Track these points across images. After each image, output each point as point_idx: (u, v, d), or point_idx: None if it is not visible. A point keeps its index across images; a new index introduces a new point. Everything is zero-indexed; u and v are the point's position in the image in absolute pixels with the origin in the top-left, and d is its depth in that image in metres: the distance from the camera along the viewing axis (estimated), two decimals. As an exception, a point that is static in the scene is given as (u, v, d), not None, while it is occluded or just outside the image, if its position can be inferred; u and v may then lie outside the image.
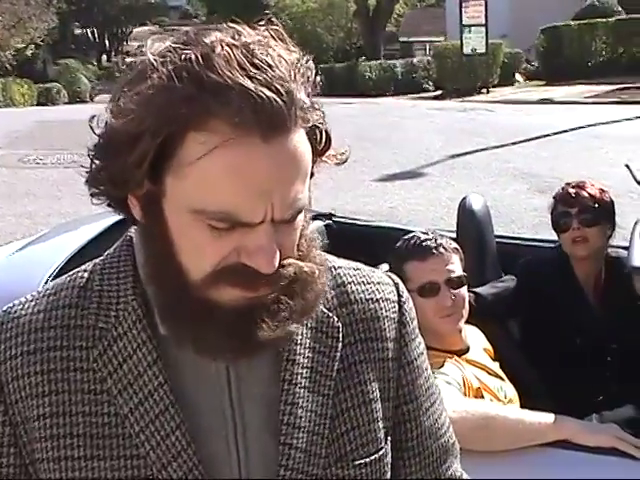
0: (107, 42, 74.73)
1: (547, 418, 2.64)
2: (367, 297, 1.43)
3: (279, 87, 1.10)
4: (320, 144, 1.23)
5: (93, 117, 1.21)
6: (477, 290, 3.53)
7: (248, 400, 1.29)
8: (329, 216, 4.46)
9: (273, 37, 1.17)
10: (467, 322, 3.10)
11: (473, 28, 27.27)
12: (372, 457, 1.37)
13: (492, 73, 28.83)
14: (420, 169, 13.41)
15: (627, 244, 3.67)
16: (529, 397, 3.15)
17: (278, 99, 1.09)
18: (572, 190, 3.67)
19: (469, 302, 3.12)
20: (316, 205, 4.87)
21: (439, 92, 29.12)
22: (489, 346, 3.29)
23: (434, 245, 3.01)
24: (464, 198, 4.02)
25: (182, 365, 1.27)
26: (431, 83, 30.74)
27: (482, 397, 2.90)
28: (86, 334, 1.27)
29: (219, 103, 1.08)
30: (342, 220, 4.48)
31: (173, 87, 1.09)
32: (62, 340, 1.27)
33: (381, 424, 1.40)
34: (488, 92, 27.80)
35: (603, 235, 3.67)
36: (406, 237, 3.13)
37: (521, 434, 2.61)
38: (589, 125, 17.33)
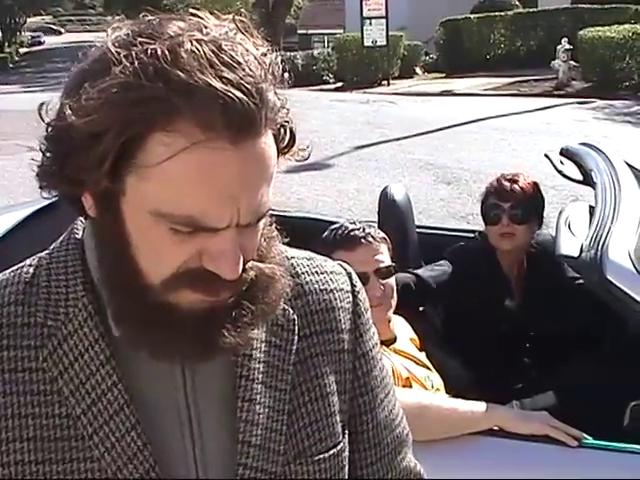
0: (0, 32, 73.10)
1: (479, 406, 2.64)
2: (321, 288, 1.39)
3: (249, 88, 1.04)
4: (284, 143, 1.18)
5: (42, 104, 1.15)
6: (417, 272, 3.54)
7: (204, 397, 1.25)
8: (247, 207, 4.39)
9: (240, 30, 1.12)
10: (395, 312, 3.09)
11: (374, 20, 27.44)
12: (331, 452, 1.35)
13: (392, 65, 29.02)
14: (326, 161, 13.43)
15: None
16: (453, 386, 3.16)
17: (249, 101, 1.04)
18: (506, 184, 3.69)
19: (406, 284, 3.12)
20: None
21: (340, 84, 29.16)
22: (415, 336, 3.29)
23: (362, 235, 2.98)
24: (385, 188, 4.03)
25: (136, 363, 1.21)
26: (331, 75, 30.72)
27: (410, 387, 2.89)
28: (34, 332, 1.20)
29: (187, 104, 1.01)
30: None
31: (139, 85, 1.02)
32: (9, 339, 1.20)
33: (338, 417, 1.37)
34: (389, 84, 27.96)
35: (530, 232, 3.71)
36: (333, 227, 3.09)
37: (455, 423, 2.61)
38: (490, 117, 17.64)
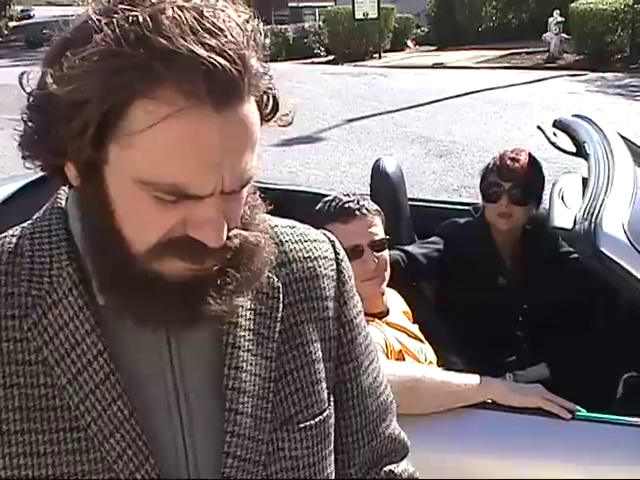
0: (-10, 6, 72.60)
1: (472, 379, 2.64)
2: (305, 255, 1.39)
3: (232, 54, 1.03)
4: (267, 109, 1.18)
5: (23, 74, 1.14)
6: (406, 248, 3.52)
7: (190, 365, 1.25)
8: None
9: None
10: (387, 285, 3.08)
11: (365, -7, 27.31)
12: (317, 419, 1.35)
13: (384, 38, 28.94)
14: (318, 134, 13.41)
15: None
16: (446, 359, 3.17)
17: (232, 68, 1.03)
18: (509, 162, 3.64)
19: (396, 261, 3.11)
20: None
21: (331, 57, 29.09)
22: (408, 309, 3.28)
23: (356, 207, 2.97)
24: (377, 160, 4.01)
25: (121, 332, 1.20)
26: (323, 48, 30.62)
27: (403, 359, 2.89)
28: (18, 302, 1.19)
29: (169, 71, 1.01)
30: (253, 184, 4.40)
31: (121, 52, 1.01)
32: None
33: (324, 385, 1.38)
34: (380, 57, 27.90)
35: (528, 213, 3.69)
36: (327, 199, 3.07)
37: (448, 396, 2.61)
38: (482, 90, 17.61)
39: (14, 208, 3.54)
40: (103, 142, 1.06)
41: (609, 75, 20.12)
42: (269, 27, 32.56)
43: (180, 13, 1.03)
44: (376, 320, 2.95)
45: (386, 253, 3.02)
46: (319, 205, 3.08)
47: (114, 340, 1.20)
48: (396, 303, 3.21)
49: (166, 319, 1.16)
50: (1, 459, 1.18)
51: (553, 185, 3.36)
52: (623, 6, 22.73)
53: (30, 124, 1.13)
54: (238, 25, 1.07)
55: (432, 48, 29.76)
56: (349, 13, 27.93)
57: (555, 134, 3.70)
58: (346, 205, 2.97)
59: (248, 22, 1.10)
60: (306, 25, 32.87)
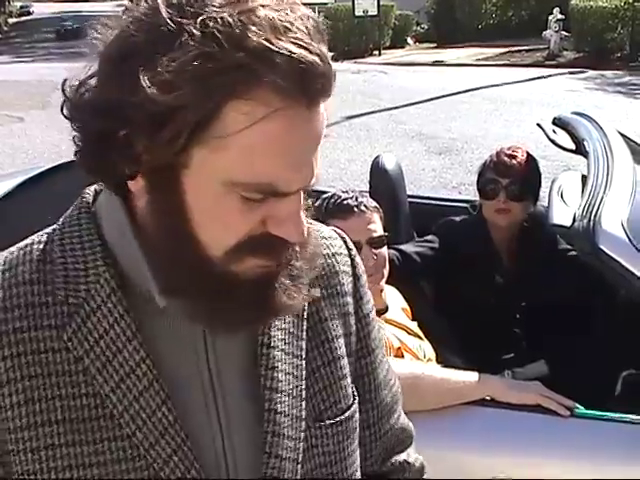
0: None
1: (471, 376, 2.64)
2: (324, 252, 1.39)
3: (319, 51, 1.04)
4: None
5: (66, 81, 1.12)
6: (401, 247, 3.52)
7: (226, 366, 1.24)
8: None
9: None
10: (386, 282, 3.08)
11: (365, -10, 27.32)
12: (346, 414, 1.37)
13: (383, 35, 28.96)
14: (317, 130, 13.36)
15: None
16: (445, 356, 3.16)
17: (322, 64, 1.04)
18: (506, 159, 3.64)
19: (390, 260, 3.10)
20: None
21: (331, 54, 28.84)
22: (407, 306, 3.28)
23: (355, 204, 2.96)
24: (377, 157, 4.00)
25: (159, 336, 1.20)
26: (323, 45, 30.63)
27: (402, 356, 2.89)
28: (54, 311, 1.17)
29: (268, 70, 1.00)
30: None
31: (219, 54, 1.00)
32: (28, 320, 1.16)
33: (349, 380, 1.39)
34: (380, 54, 27.93)
35: (526, 210, 3.68)
36: (325, 196, 3.07)
37: (447, 393, 2.61)
38: (482, 87, 17.62)
39: (12, 204, 3.54)
40: (189, 147, 1.04)
41: (609, 73, 20.13)
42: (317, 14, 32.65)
43: (270, 12, 1.02)
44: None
45: (385, 250, 3.01)
46: (318, 202, 3.07)
47: (153, 344, 1.19)
48: (395, 300, 3.21)
49: (240, 319, 1.15)
50: (47, 473, 1.16)
51: (552, 183, 3.36)
52: (623, 4, 22.74)
53: (90, 134, 1.10)
54: (314, 21, 1.08)
55: (432, 45, 29.79)
56: (349, 10, 27.96)
57: (555, 131, 3.70)
58: (345, 202, 2.97)
59: (315, 19, 1.10)
60: (306, 22, 32.88)
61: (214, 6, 1.02)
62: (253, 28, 1.00)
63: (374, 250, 2.95)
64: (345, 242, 1.46)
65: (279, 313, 1.18)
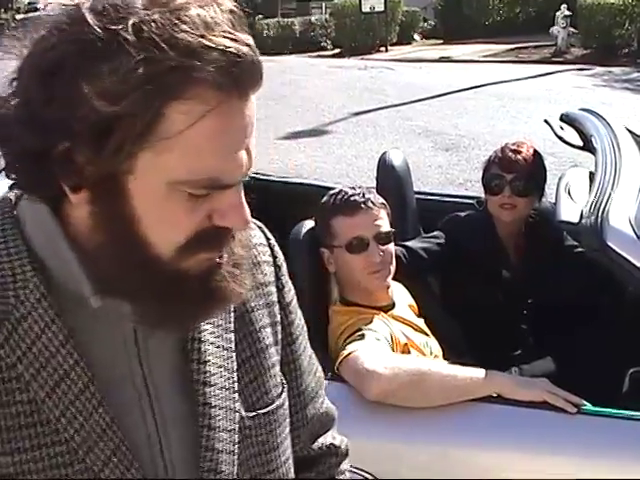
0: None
1: (478, 373, 2.64)
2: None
3: (248, 42, 1.05)
4: None
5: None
6: (407, 244, 3.51)
7: (158, 364, 1.24)
8: (245, 172, 4.36)
9: None
10: (393, 278, 3.08)
11: (372, -14, 27.26)
12: (277, 402, 1.39)
13: (390, 31, 28.88)
14: (324, 127, 13.38)
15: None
16: (452, 352, 3.16)
17: (252, 54, 1.05)
18: (510, 154, 3.63)
19: (397, 256, 3.10)
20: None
21: (337, 50, 29.05)
22: (413, 302, 3.28)
23: (362, 200, 2.97)
24: (384, 154, 4.00)
25: (91, 338, 1.18)
26: (329, 41, 30.55)
27: (409, 353, 2.89)
28: None
29: (204, 67, 1.01)
30: (258, 177, 4.41)
31: (157, 57, 1.00)
32: None
33: (277, 368, 1.42)
34: (387, 50, 27.84)
35: (531, 205, 3.68)
36: (333, 192, 3.08)
37: (454, 389, 2.60)
38: (489, 84, 17.55)
39: None
40: (134, 153, 1.05)
41: (616, 69, 20.05)
42: (276, 20, 32.57)
43: (199, 10, 1.03)
44: (382, 313, 2.96)
45: (392, 246, 3.02)
46: (325, 198, 3.08)
47: (87, 347, 1.17)
48: (402, 296, 3.22)
49: (192, 314, 1.17)
50: None
51: (560, 179, 3.36)
52: (631, 0, 22.64)
53: (23, 151, 1.08)
54: (236, 13, 1.08)
55: (439, 42, 29.69)
56: (356, 6, 27.85)
57: (562, 128, 3.69)
58: (352, 198, 2.98)
59: (235, 11, 1.10)
60: (313, 18, 32.83)
61: (140, 9, 1.02)
62: (186, 27, 1.01)
63: (381, 246, 2.96)
64: (263, 232, 1.48)
65: (230, 302, 1.20)
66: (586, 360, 3.22)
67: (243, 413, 1.32)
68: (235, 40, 1.03)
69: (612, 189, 2.84)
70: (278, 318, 1.44)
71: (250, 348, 1.36)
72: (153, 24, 1.01)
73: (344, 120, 13.97)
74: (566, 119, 3.78)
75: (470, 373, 2.63)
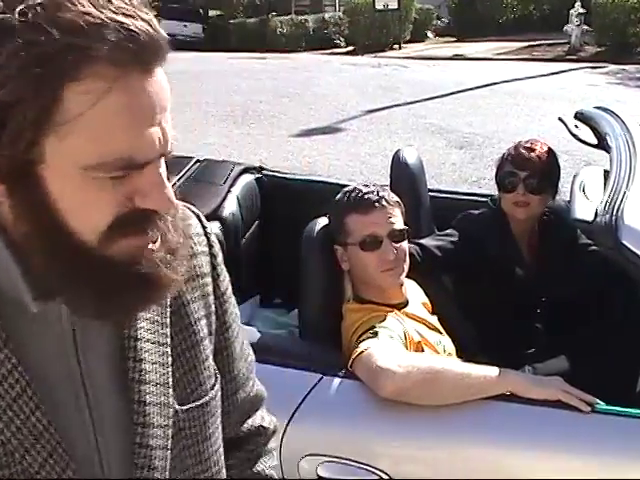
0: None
1: (492, 371, 2.63)
2: None
3: (146, 17, 1.04)
4: None
5: None
6: (421, 241, 3.51)
7: (95, 364, 1.24)
8: (259, 169, 4.38)
9: None
10: (406, 276, 3.08)
11: (385, -16, 27.26)
12: (210, 394, 1.41)
13: (404, 29, 28.88)
14: (337, 124, 13.36)
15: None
16: (465, 351, 3.16)
17: (150, 29, 1.04)
18: (524, 152, 3.62)
19: (411, 254, 3.10)
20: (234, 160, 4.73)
21: (351, 48, 29.07)
22: (427, 300, 3.28)
23: (376, 198, 2.97)
24: (398, 151, 3.99)
25: (30, 341, 1.17)
26: (343, 39, 30.61)
27: (422, 351, 2.89)
28: None
29: (96, 44, 0.99)
30: (272, 174, 4.41)
31: (42, 40, 0.98)
32: None
33: (211, 360, 1.43)
34: (400, 48, 27.85)
35: (545, 203, 3.67)
36: (347, 189, 3.08)
37: (467, 388, 2.59)
38: (503, 81, 17.51)
39: None
40: (37, 141, 1.02)
41: (630, 67, 19.98)
42: (289, 17, 32.59)
43: None
44: (395, 311, 2.95)
45: (405, 244, 3.02)
46: (339, 195, 3.09)
47: (25, 350, 1.16)
48: (415, 294, 3.21)
49: (129, 302, 1.15)
50: None
51: (574, 177, 3.34)
52: (645, -3, 22.59)
53: None
54: None
55: (452, 39, 29.70)
56: (369, 4, 27.89)
57: (577, 126, 3.67)
58: (366, 196, 2.98)
59: None
60: (326, 16, 32.87)
61: None
62: (71, 6, 0.99)
63: (395, 244, 2.96)
64: (200, 221, 1.46)
65: (167, 289, 1.17)
66: (600, 359, 3.21)
67: (177, 407, 1.33)
68: (130, 16, 1.01)
69: (627, 187, 2.82)
70: (213, 308, 1.45)
71: (185, 341, 1.36)
72: (39, 7, 0.99)
73: (357, 118, 13.96)
74: (580, 117, 3.77)
75: (483, 371, 2.62)
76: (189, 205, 1.45)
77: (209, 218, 3.60)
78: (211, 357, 1.43)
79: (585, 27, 23.34)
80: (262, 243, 4.21)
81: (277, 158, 10.69)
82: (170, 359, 1.32)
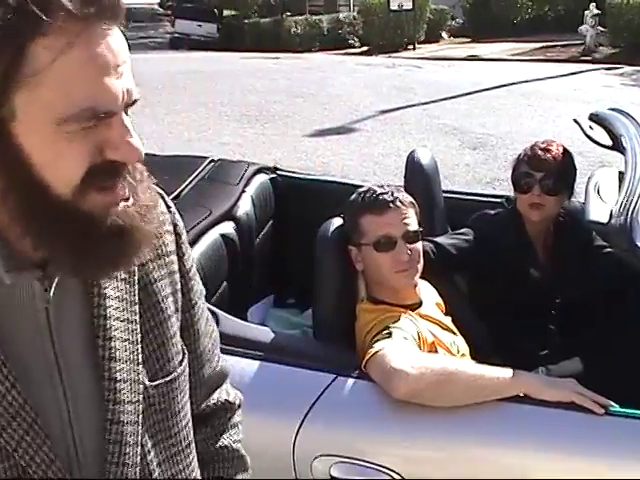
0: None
1: (505, 373, 2.62)
2: None
3: None
4: None
5: None
6: (436, 240, 3.51)
7: (68, 340, 1.27)
8: (273, 170, 4.38)
9: None
10: (420, 276, 3.08)
11: (400, -16, 27.22)
12: (178, 370, 1.45)
13: (418, 29, 28.86)
14: (351, 125, 13.36)
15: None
16: (478, 351, 3.15)
17: None
18: (540, 153, 3.62)
19: (425, 252, 3.10)
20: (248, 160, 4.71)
21: (365, 48, 29.05)
22: (441, 301, 3.28)
23: (391, 199, 2.97)
24: (412, 152, 3.98)
25: (2, 319, 1.20)
26: (357, 39, 30.58)
27: (436, 351, 2.89)
28: None
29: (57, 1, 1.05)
30: (287, 174, 4.41)
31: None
32: None
33: (178, 336, 1.48)
34: (414, 48, 27.83)
35: (560, 204, 3.66)
36: (361, 190, 3.08)
37: (481, 389, 2.59)
38: (517, 82, 17.48)
39: None
40: (8, 95, 1.07)
41: (645, 69, 19.92)
42: (303, 17, 32.60)
43: None
44: (409, 312, 2.95)
45: (419, 245, 3.02)
46: (353, 196, 3.09)
47: (0, 329, 1.19)
48: (429, 295, 3.21)
49: (106, 257, 1.18)
50: None
51: (589, 179, 3.33)
52: (660, -1, 22.53)
53: None
54: None
55: (467, 40, 29.64)
56: (384, 4, 27.87)
57: (591, 127, 3.67)
58: (380, 197, 2.98)
59: None
60: (341, 16, 32.86)
61: None
62: None
63: (409, 245, 2.96)
64: (164, 200, 1.49)
65: (141, 243, 1.21)
66: (614, 361, 3.20)
67: (147, 383, 1.36)
68: None
69: (642, 189, 2.82)
70: (179, 286, 1.48)
71: (154, 319, 1.40)
72: None
73: (372, 118, 13.95)
74: (595, 118, 3.76)
75: (497, 373, 2.62)
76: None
77: (223, 218, 3.63)
78: (178, 334, 1.47)
79: (600, 28, 23.30)
80: (276, 243, 4.22)
81: (291, 158, 10.70)
82: (139, 336, 1.35)
